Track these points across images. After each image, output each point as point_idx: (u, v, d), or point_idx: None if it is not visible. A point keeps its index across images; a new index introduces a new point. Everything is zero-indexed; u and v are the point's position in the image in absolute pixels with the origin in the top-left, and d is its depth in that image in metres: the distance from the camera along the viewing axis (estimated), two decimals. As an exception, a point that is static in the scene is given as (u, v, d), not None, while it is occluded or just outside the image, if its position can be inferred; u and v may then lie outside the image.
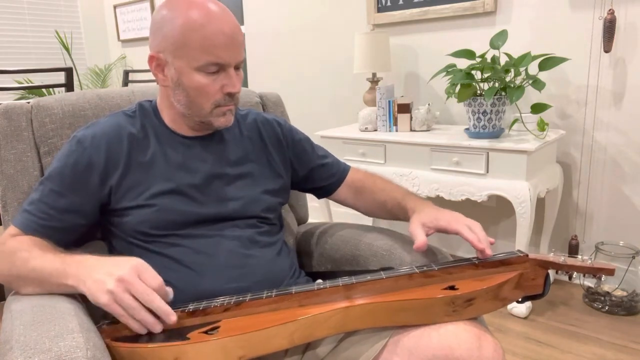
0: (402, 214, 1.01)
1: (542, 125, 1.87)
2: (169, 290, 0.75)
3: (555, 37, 2.04)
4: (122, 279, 0.70)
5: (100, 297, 0.70)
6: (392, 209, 1.04)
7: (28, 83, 3.37)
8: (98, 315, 0.78)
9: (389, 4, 2.47)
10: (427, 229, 0.91)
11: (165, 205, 0.90)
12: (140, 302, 0.70)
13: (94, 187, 0.89)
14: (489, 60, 1.85)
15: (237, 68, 0.91)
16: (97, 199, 0.90)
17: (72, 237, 0.91)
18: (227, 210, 0.95)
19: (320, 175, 1.11)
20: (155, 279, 0.73)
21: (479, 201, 1.90)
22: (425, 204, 0.97)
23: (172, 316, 0.72)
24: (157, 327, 0.72)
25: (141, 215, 0.89)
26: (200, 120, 0.92)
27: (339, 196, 1.13)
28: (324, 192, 1.14)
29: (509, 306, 1.90)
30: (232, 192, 0.96)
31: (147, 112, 0.97)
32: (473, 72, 1.83)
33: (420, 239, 0.89)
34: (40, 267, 0.78)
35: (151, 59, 0.90)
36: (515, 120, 1.92)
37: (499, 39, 1.87)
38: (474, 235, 0.86)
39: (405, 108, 2.16)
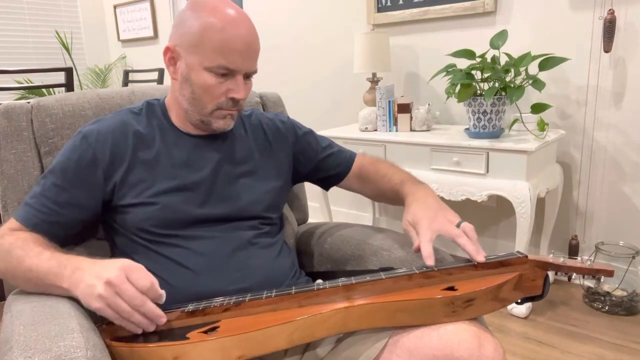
0: (400, 202, 1.01)
1: (542, 125, 1.87)
2: (162, 293, 0.74)
3: (555, 37, 2.04)
4: (110, 282, 0.69)
5: (92, 303, 0.70)
6: (391, 196, 1.05)
7: (28, 83, 3.37)
8: (98, 315, 0.78)
9: (389, 4, 2.47)
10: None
11: (168, 203, 0.90)
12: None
13: (98, 183, 0.89)
14: (489, 60, 1.85)
15: (247, 77, 0.91)
16: (99, 195, 0.90)
17: (72, 233, 0.91)
18: (231, 209, 0.95)
19: (327, 165, 1.11)
20: (145, 279, 0.71)
21: (479, 201, 1.90)
22: (415, 196, 0.95)
23: (162, 318, 0.73)
24: (151, 328, 0.73)
25: (144, 213, 0.89)
26: (200, 119, 0.93)
27: (346, 184, 1.13)
28: (331, 181, 1.14)
29: (509, 306, 1.90)
30: (236, 191, 0.97)
31: (154, 110, 0.98)
32: (473, 72, 1.83)
33: (416, 242, 0.87)
34: (36, 267, 0.77)
35: (166, 50, 0.91)
36: (515, 120, 1.92)
37: (499, 39, 1.87)
38: (427, 249, 0.83)
39: (405, 108, 2.16)
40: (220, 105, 0.90)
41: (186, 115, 0.94)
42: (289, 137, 1.08)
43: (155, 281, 0.73)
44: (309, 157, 1.10)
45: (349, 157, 1.13)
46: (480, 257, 0.82)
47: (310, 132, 1.13)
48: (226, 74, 0.88)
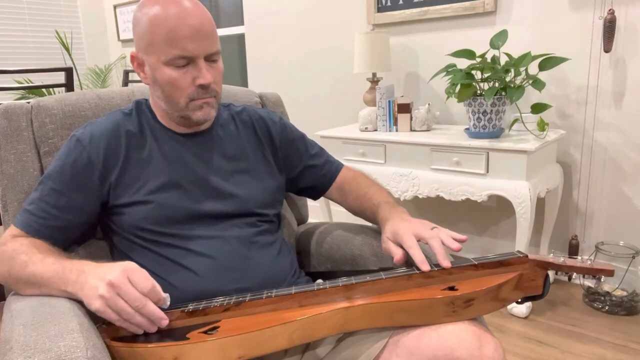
0: (376, 222, 1.01)
1: (542, 125, 1.87)
2: (166, 297, 0.75)
3: (555, 37, 2.04)
4: (112, 283, 0.70)
5: (93, 303, 0.70)
6: (369, 216, 1.05)
7: (28, 83, 3.37)
8: (98, 316, 0.78)
9: (389, 4, 2.47)
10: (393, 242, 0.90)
11: (163, 200, 0.90)
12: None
13: (94, 185, 0.89)
14: (489, 60, 1.85)
15: (212, 60, 0.90)
16: (97, 197, 0.90)
17: (72, 236, 0.91)
18: (226, 206, 0.95)
19: (311, 175, 1.11)
20: (146, 282, 0.72)
21: (479, 201, 1.90)
22: (392, 217, 0.94)
23: (164, 320, 0.73)
24: (153, 329, 0.73)
25: (140, 212, 0.90)
26: (179, 115, 0.92)
27: (329, 195, 1.13)
28: (315, 192, 1.13)
29: (509, 306, 1.90)
30: (230, 188, 0.96)
31: (143, 109, 0.98)
32: (473, 72, 1.83)
33: (397, 253, 0.86)
34: (40, 272, 0.78)
35: (132, 59, 0.92)
36: (515, 120, 1.92)
37: (499, 39, 1.87)
38: (419, 254, 0.82)
39: (405, 108, 2.16)
40: (192, 96, 0.89)
41: (167, 115, 0.95)
42: (279, 139, 1.07)
43: (157, 284, 0.73)
44: (295, 163, 1.09)
45: (335, 169, 1.12)
46: (426, 267, 0.80)
47: (300, 138, 1.11)
48: (186, 63, 0.87)
